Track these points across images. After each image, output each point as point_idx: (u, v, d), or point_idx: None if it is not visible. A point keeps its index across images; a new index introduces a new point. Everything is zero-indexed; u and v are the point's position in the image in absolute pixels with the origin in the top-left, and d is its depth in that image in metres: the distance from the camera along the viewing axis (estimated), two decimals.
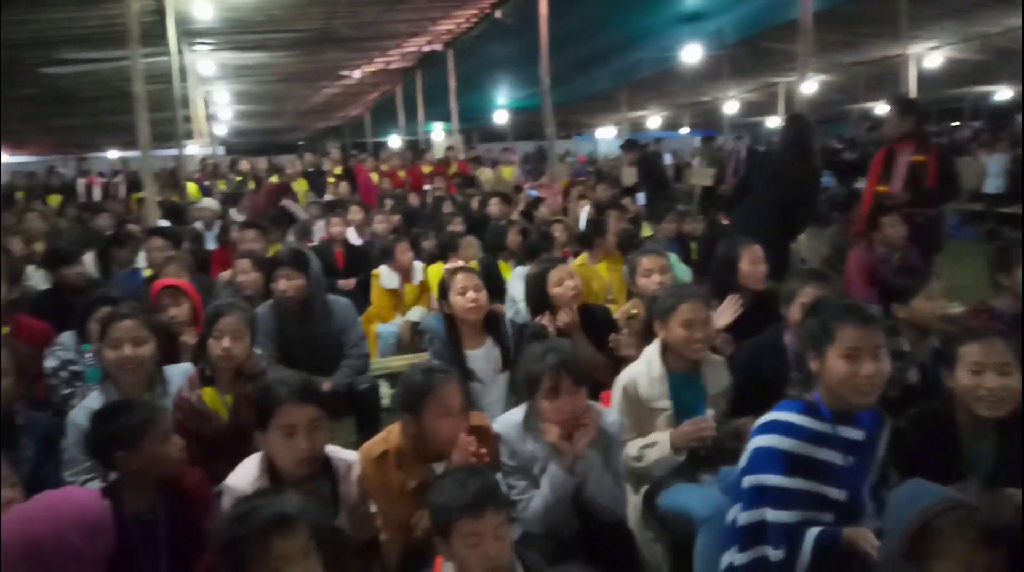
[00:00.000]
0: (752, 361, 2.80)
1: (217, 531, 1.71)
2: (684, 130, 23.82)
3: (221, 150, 21.10)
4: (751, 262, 3.38)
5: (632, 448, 2.57)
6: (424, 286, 5.14)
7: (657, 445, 2.52)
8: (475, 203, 7.72)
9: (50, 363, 3.30)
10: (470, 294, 3.18)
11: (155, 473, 2.18)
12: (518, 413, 2.45)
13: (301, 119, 21.81)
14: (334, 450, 2.32)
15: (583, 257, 4.82)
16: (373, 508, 2.33)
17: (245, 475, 2.19)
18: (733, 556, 1.97)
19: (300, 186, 10.46)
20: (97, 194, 10.67)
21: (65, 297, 4.14)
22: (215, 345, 2.77)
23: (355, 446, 2.50)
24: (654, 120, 23.91)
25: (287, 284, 3.53)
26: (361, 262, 5.69)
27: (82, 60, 10.34)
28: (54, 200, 9.97)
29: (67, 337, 3.39)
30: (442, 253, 5.49)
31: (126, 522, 2.14)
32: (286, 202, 7.60)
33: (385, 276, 5.03)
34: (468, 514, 1.76)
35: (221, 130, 20.34)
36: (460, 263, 3.98)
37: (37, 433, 2.64)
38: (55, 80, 10.96)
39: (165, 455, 2.18)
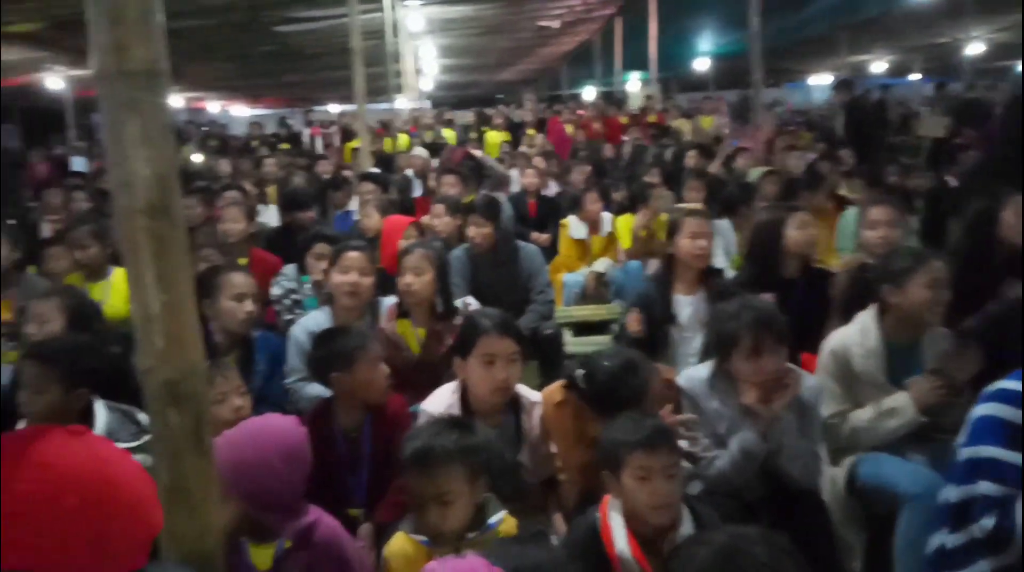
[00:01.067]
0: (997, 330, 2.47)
1: (404, 447, 1.86)
2: (914, 76, 21.32)
3: (427, 104, 22.23)
4: (1016, 214, 2.88)
5: (859, 418, 2.40)
6: (612, 237, 5.10)
7: (897, 410, 2.32)
8: (670, 154, 7.48)
9: (275, 291, 3.70)
10: (700, 242, 3.08)
11: (364, 396, 2.39)
12: (704, 369, 2.36)
13: (500, 72, 22.26)
14: (521, 388, 2.39)
15: None
16: (553, 448, 2.39)
17: (440, 401, 2.34)
18: (944, 538, 1.78)
19: (497, 139, 10.75)
20: (319, 144, 11.69)
21: (293, 235, 4.61)
22: (400, 281, 2.98)
23: (537, 389, 2.56)
24: (878, 65, 21.61)
25: (476, 231, 3.73)
26: (552, 212, 5.78)
27: (308, 19, 11.23)
28: (285, 148, 11.11)
29: (290, 269, 3.78)
30: (632, 204, 5.40)
31: (336, 436, 2.39)
32: (476, 153, 7.86)
33: (573, 226, 5.05)
34: (641, 448, 1.76)
35: (427, 84, 21.32)
36: (691, 206, 3.86)
37: (268, 350, 2.98)
38: (286, 38, 12.00)
39: (374, 380, 2.39)
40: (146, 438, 2.02)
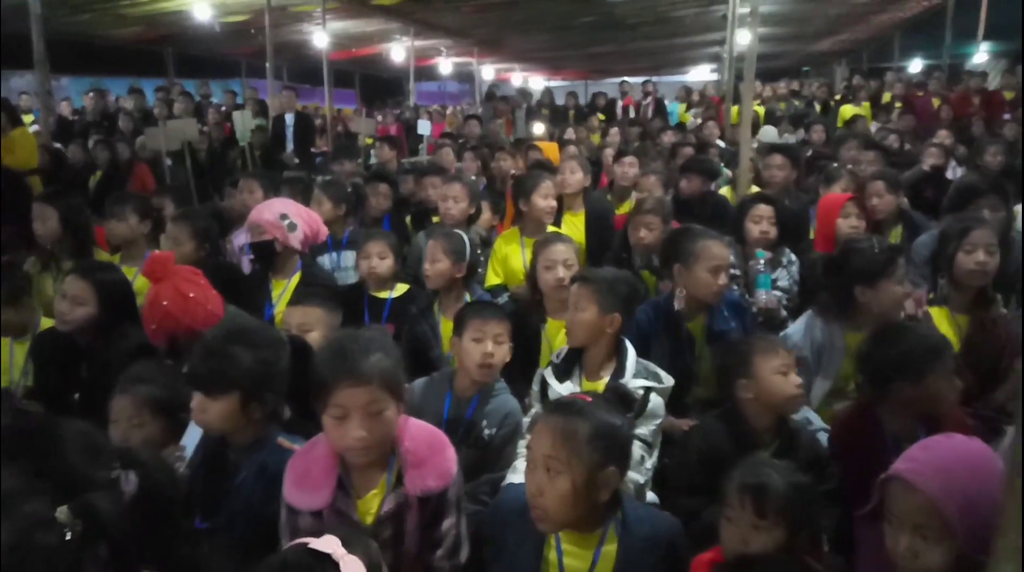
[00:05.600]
0: None
1: None
2: None
3: (716, 76, 21.23)
4: None
5: None
6: None
7: None
8: None
9: None
10: None
11: (926, 408, 2.07)
12: None
13: (815, 42, 20.47)
14: None
15: None
16: None
17: None
18: None
19: (849, 113, 9.78)
20: (632, 114, 11.59)
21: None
22: None
23: None
24: None
25: None
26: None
27: None
28: (601, 117, 11.16)
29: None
30: None
31: (886, 442, 2.09)
32: None
33: None
34: None
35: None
36: None
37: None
38: (613, 8, 11.97)
39: (944, 393, 2.05)
40: None
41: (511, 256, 3.80)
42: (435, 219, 4.67)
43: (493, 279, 3.78)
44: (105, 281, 2.65)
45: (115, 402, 1.96)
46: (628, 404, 1.67)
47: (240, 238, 4.02)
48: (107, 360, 2.57)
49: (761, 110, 9.29)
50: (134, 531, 1.19)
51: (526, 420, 2.45)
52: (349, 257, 4.00)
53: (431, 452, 1.70)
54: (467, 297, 3.17)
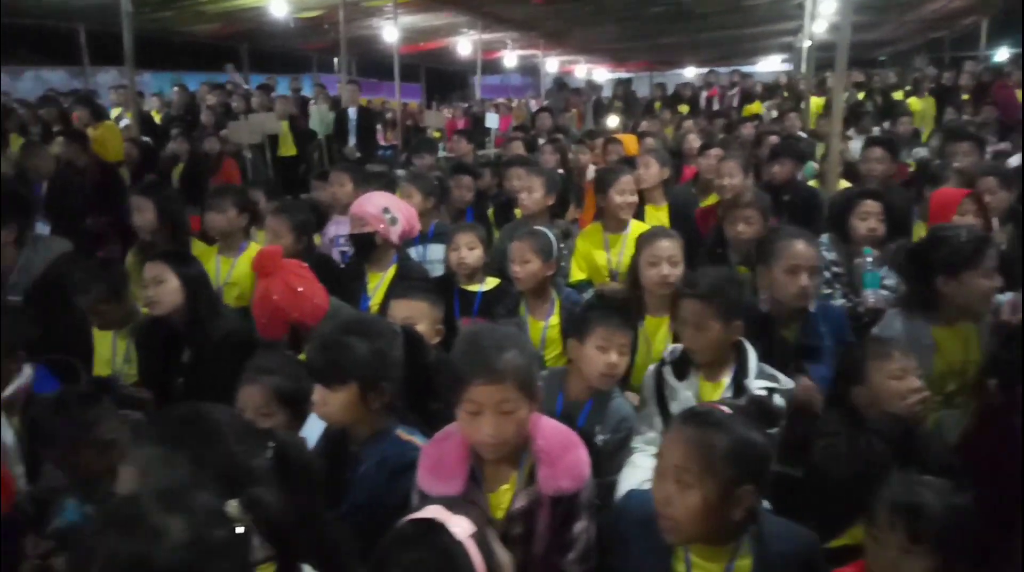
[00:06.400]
0: None
1: None
2: None
3: (787, 66, 20.57)
4: None
5: None
6: None
7: None
8: None
9: None
10: None
11: None
12: None
13: (893, 30, 19.69)
14: None
15: None
16: None
17: None
18: None
19: (919, 106, 9.39)
20: (715, 105, 11.35)
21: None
22: None
23: None
24: None
25: None
26: None
27: None
28: (684, 109, 10.96)
29: (825, 238, 3.42)
30: None
31: None
32: None
33: None
34: None
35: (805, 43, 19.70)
36: None
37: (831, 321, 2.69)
38: None
39: None
40: None
41: (593, 252, 3.74)
42: (517, 212, 4.64)
43: (577, 274, 3.73)
44: (183, 268, 2.69)
45: (243, 392, 1.99)
46: (771, 419, 1.59)
47: (333, 230, 4.06)
48: (204, 346, 2.62)
49: (821, 101, 8.93)
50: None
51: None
52: (435, 250, 4.00)
53: (564, 452, 1.66)
54: (555, 295, 3.12)
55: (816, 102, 8.80)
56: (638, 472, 2.20)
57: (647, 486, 2.15)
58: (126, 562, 0.90)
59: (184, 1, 9.97)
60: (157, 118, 9.14)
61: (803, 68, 12.98)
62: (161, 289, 2.60)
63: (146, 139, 7.24)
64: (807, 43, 9.73)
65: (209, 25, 11.80)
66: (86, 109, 6.56)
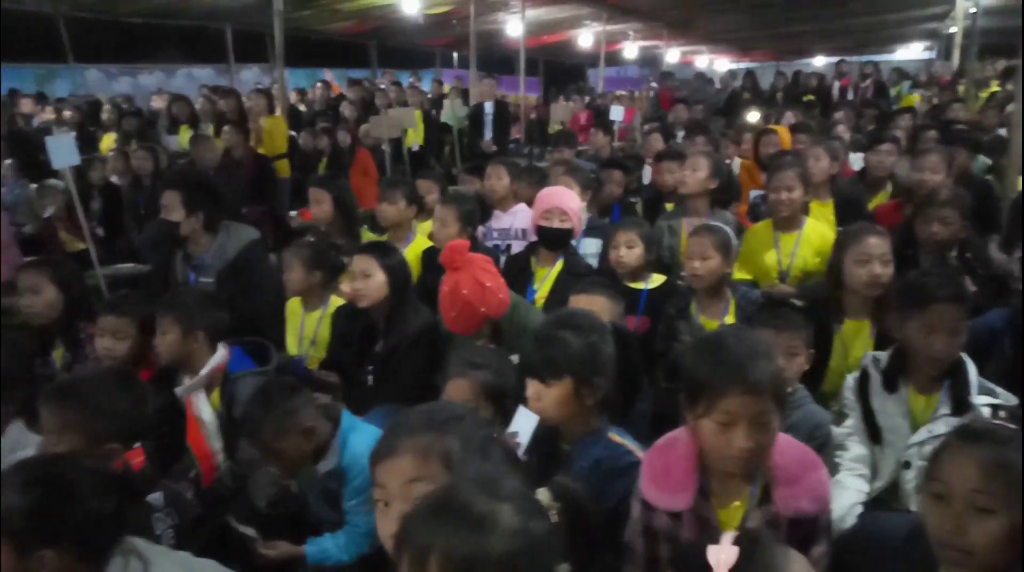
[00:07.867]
0: None
1: None
2: None
3: (929, 54, 19.22)
4: None
5: None
6: None
7: None
8: None
9: None
10: None
11: None
12: None
13: None
14: None
15: None
16: None
17: None
18: None
19: None
20: (850, 95, 10.77)
21: None
22: None
23: None
24: None
25: None
26: None
27: None
28: (809, 98, 10.53)
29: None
30: None
31: None
32: None
33: None
34: None
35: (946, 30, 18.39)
36: None
37: None
38: None
39: None
40: None
41: (762, 250, 3.58)
42: (668, 206, 4.53)
43: (738, 274, 3.58)
44: (390, 261, 2.75)
45: (451, 385, 2.01)
46: None
47: (503, 221, 4.07)
48: (400, 339, 2.67)
49: (985, 92, 8.21)
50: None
51: (838, 430, 2.26)
52: (589, 244, 3.95)
53: (803, 471, 1.56)
54: (730, 294, 3.00)
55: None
56: (848, 493, 2.07)
57: (859, 509, 2.03)
58: (465, 554, 0.88)
59: (322, 0, 10.37)
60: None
61: (955, 56, 12.12)
62: (369, 283, 2.68)
63: (292, 133, 7.56)
64: (953, 29, 9.03)
65: (344, 23, 12.22)
66: (263, 98, 6.86)
